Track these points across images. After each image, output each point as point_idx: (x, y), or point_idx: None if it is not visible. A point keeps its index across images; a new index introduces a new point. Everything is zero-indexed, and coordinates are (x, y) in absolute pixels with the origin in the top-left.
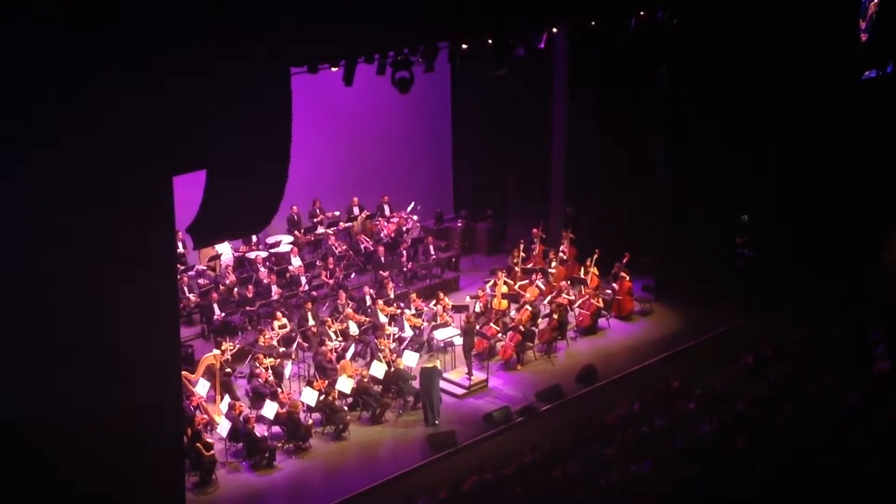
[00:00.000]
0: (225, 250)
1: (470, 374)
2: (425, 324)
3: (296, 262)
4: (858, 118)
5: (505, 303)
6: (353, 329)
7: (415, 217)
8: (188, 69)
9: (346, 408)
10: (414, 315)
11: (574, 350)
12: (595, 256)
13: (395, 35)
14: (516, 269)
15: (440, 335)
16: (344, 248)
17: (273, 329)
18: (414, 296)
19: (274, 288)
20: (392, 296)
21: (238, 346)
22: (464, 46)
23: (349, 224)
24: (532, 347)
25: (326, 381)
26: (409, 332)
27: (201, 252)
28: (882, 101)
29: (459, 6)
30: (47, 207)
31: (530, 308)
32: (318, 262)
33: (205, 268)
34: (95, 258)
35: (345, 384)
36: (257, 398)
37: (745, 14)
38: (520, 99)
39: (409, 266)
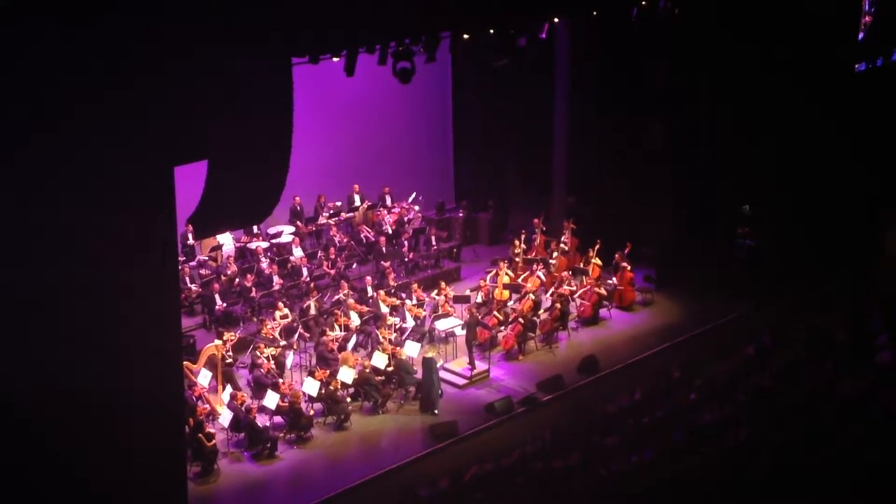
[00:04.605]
0: (226, 241)
1: (472, 366)
2: (425, 313)
3: (297, 252)
4: (859, 108)
5: (506, 293)
6: (355, 319)
7: (416, 207)
8: (189, 59)
9: (347, 398)
10: (415, 305)
11: (575, 340)
12: (597, 247)
13: (397, 25)
14: (518, 259)
15: (441, 325)
16: (345, 238)
17: (274, 319)
18: (415, 286)
19: (275, 278)
20: (393, 286)
21: (239, 336)
22: (465, 37)
23: (351, 214)
24: (533, 338)
25: (328, 372)
26: (410, 323)
27: (203, 242)
28: (879, 93)
29: None
30: (49, 198)
31: (532, 298)
32: (319, 253)
33: (206, 258)
34: (97, 249)
35: (346, 374)
36: (259, 388)
37: (747, 4)
38: (521, 89)
39: (411, 256)
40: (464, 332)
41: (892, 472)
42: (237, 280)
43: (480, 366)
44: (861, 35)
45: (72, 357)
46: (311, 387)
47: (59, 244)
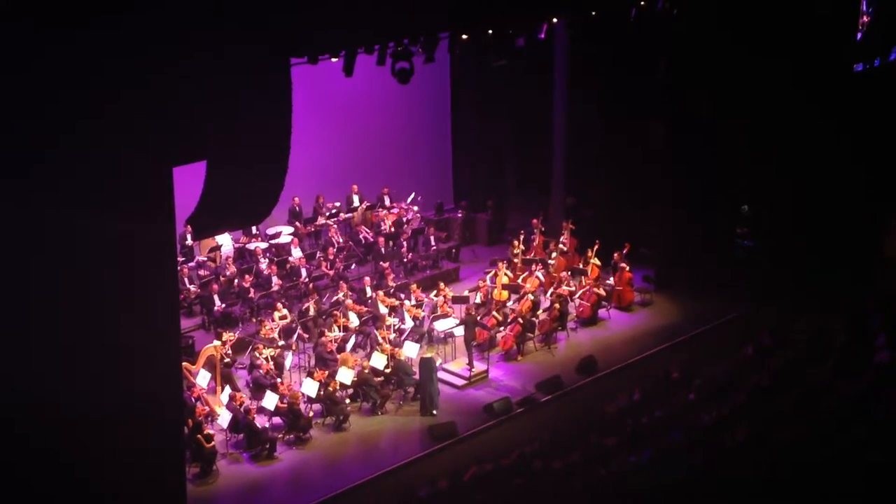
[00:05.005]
0: (225, 241)
1: (471, 365)
2: (424, 314)
3: (296, 253)
4: (858, 108)
5: (505, 294)
6: (354, 320)
7: (415, 208)
8: (188, 60)
9: (346, 399)
10: (414, 306)
11: (574, 341)
12: (595, 247)
13: (396, 26)
14: (516, 259)
15: (440, 326)
16: (344, 239)
17: (273, 320)
18: (414, 286)
19: (274, 279)
20: (392, 287)
21: (238, 337)
22: (464, 37)
23: (349, 215)
24: (532, 338)
25: (327, 372)
26: (409, 323)
27: (202, 243)
28: (878, 93)
29: None
30: (47, 199)
31: (531, 299)
32: (318, 253)
33: (205, 259)
34: (96, 249)
35: (345, 375)
36: (258, 389)
37: (746, 4)
38: (520, 89)
39: (410, 257)
40: (463, 332)
41: (893, 473)
42: (236, 281)
43: (479, 366)
44: (859, 35)
45: (71, 358)
46: (310, 388)
47: (57, 245)
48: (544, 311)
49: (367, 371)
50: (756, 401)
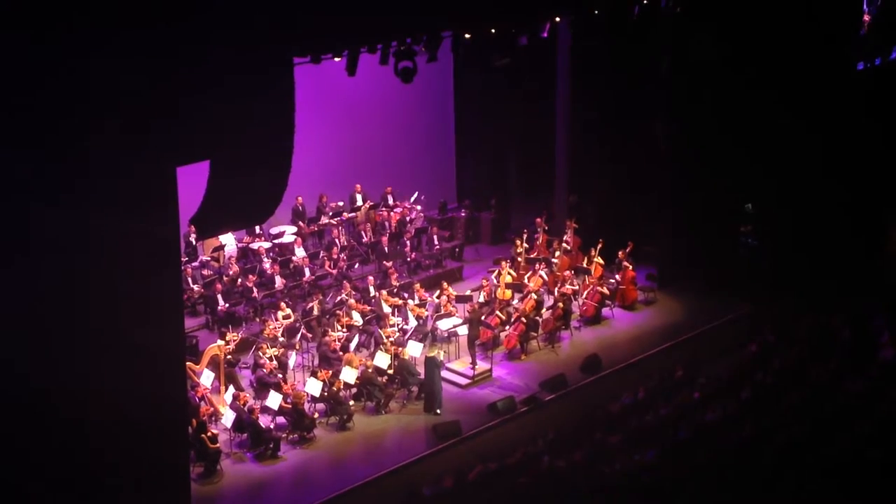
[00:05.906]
0: (229, 241)
1: (474, 364)
2: (428, 313)
3: (299, 252)
4: (861, 107)
5: (509, 293)
6: (357, 319)
7: (418, 207)
8: (191, 59)
9: (350, 398)
10: (418, 305)
11: (578, 339)
12: (599, 246)
13: (398, 25)
14: (520, 258)
15: (443, 325)
16: (348, 238)
17: (277, 319)
18: (418, 286)
19: (277, 279)
20: (396, 286)
21: (242, 336)
22: (467, 36)
23: (353, 214)
24: (536, 337)
25: (330, 372)
26: (412, 323)
27: (205, 243)
28: (880, 92)
29: None
30: (50, 199)
31: (534, 298)
32: (321, 253)
33: (208, 258)
34: (99, 249)
35: (349, 374)
36: (262, 389)
37: (748, 2)
38: (523, 88)
39: (413, 256)
40: (466, 332)
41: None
42: (239, 280)
43: (483, 365)
44: (861, 34)
45: (75, 358)
46: (314, 387)
47: (61, 245)
48: (548, 309)
49: (370, 370)
50: (760, 399)
